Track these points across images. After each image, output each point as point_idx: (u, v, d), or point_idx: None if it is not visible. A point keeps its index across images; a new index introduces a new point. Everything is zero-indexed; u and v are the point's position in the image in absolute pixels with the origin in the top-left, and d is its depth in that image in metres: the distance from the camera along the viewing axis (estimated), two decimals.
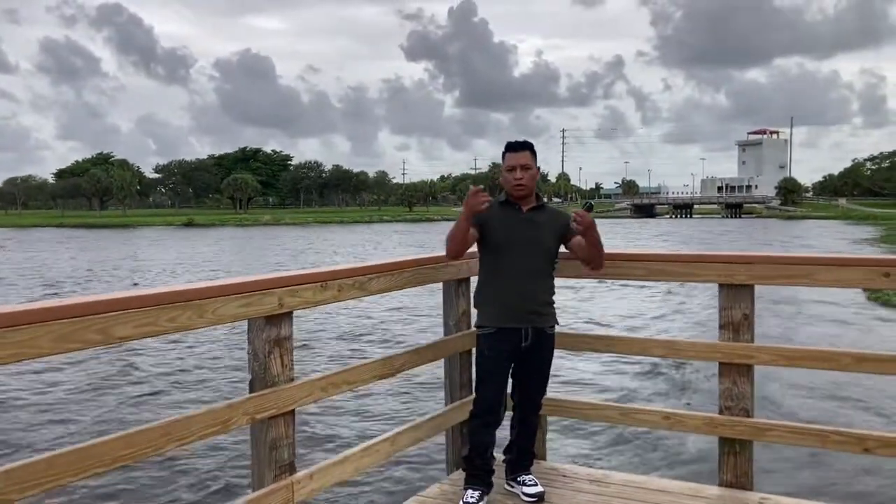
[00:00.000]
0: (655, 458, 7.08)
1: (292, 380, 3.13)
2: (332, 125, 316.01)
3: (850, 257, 3.68)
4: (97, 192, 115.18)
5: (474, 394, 3.85)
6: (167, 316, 2.59)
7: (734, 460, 3.80)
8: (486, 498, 3.65)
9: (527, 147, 3.81)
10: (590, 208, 3.64)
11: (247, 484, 3.19)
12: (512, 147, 3.82)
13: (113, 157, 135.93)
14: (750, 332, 3.75)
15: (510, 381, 3.84)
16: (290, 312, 3.12)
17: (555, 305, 3.84)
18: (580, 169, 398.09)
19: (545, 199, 3.99)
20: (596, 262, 3.84)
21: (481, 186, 3.66)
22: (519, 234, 3.73)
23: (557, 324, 3.84)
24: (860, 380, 9.10)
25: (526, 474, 3.83)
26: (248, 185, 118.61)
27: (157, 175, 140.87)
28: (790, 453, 6.59)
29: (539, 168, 3.92)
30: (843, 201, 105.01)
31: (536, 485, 3.76)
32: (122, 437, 2.47)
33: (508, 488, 3.86)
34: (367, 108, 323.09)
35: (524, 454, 3.89)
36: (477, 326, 3.84)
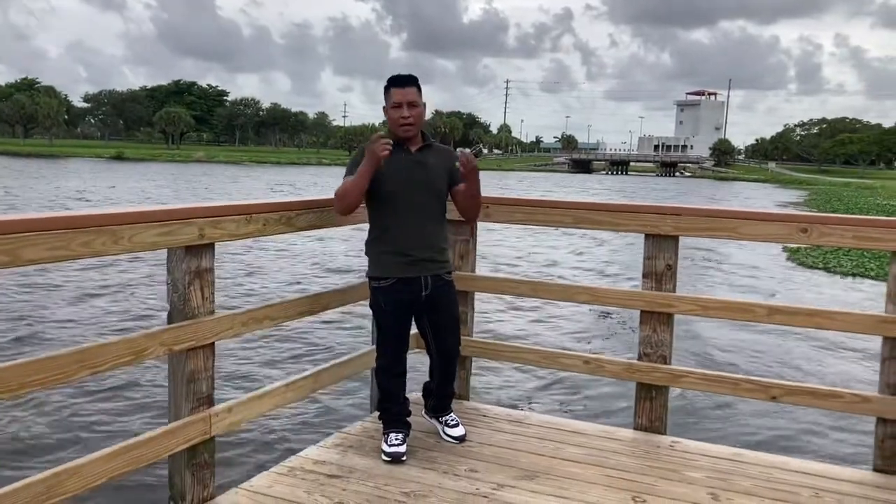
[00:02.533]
0: (575, 402, 7.26)
1: (213, 312, 3.08)
2: (272, 62, 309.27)
3: (772, 213, 3.79)
4: (21, 119, 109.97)
5: (376, 346, 3.73)
6: (80, 240, 2.51)
7: (650, 405, 3.92)
8: (408, 438, 3.65)
9: (413, 82, 3.54)
10: (478, 153, 3.51)
11: (163, 414, 3.15)
12: (397, 81, 3.53)
13: (39, 83, 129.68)
14: (672, 283, 3.84)
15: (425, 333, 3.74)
16: (212, 244, 3.06)
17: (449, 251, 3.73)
18: (522, 121, 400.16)
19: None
20: (471, 213, 3.75)
21: (382, 132, 3.43)
22: (410, 178, 3.51)
23: (453, 269, 3.73)
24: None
25: (448, 414, 3.86)
26: (182, 119, 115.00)
27: (86, 104, 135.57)
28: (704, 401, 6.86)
29: (425, 105, 3.63)
30: (772, 165, 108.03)
31: (458, 425, 3.79)
32: (31, 363, 2.40)
33: (427, 420, 3.88)
34: (311, 46, 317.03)
35: (445, 398, 3.87)
36: (371, 278, 3.61)
